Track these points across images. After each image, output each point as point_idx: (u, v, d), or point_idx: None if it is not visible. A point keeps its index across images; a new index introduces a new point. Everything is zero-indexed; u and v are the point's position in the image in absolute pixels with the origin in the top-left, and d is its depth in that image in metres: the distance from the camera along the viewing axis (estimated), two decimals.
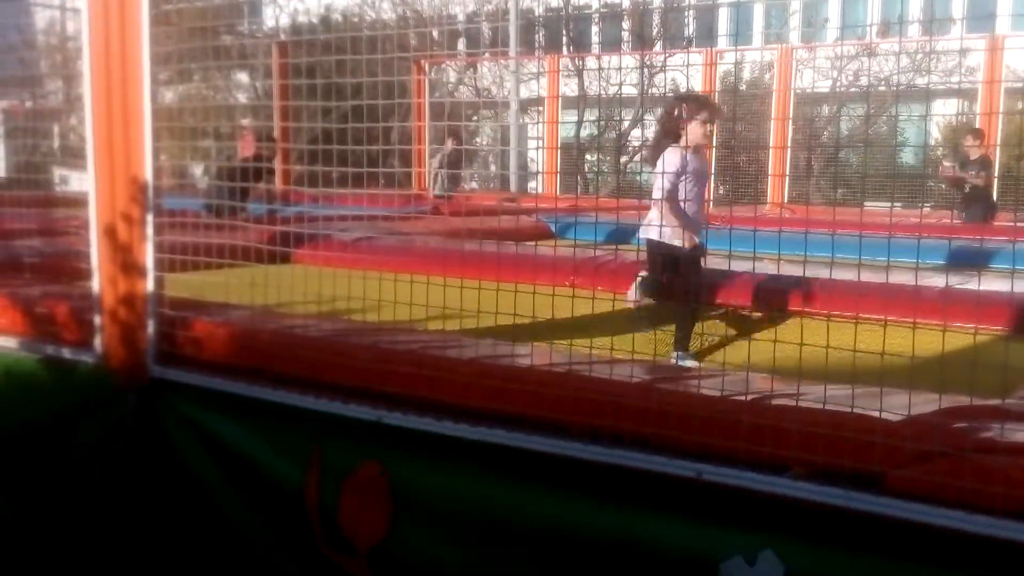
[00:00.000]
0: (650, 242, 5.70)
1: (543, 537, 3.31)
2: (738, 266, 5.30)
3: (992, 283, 6.28)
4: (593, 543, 3.21)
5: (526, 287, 3.68)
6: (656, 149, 5.75)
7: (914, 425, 2.88)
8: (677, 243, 5.54)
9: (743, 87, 20.45)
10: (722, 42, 18.27)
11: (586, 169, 19.51)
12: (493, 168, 19.19)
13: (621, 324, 4.96)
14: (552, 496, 3.33)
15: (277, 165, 8.69)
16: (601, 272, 6.82)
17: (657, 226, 5.49)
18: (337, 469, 3.69)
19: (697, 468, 3.07)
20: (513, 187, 13.85)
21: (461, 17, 21.94)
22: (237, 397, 3.96)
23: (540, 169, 14.90)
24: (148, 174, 4.21)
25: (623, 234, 8.01)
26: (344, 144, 4.04)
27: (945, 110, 14.72)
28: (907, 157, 17.14)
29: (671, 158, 5.54)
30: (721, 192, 16.38)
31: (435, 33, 18.07)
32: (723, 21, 26.02)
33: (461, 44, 20.38)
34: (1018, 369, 3.36)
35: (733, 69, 19.81)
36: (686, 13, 22.86)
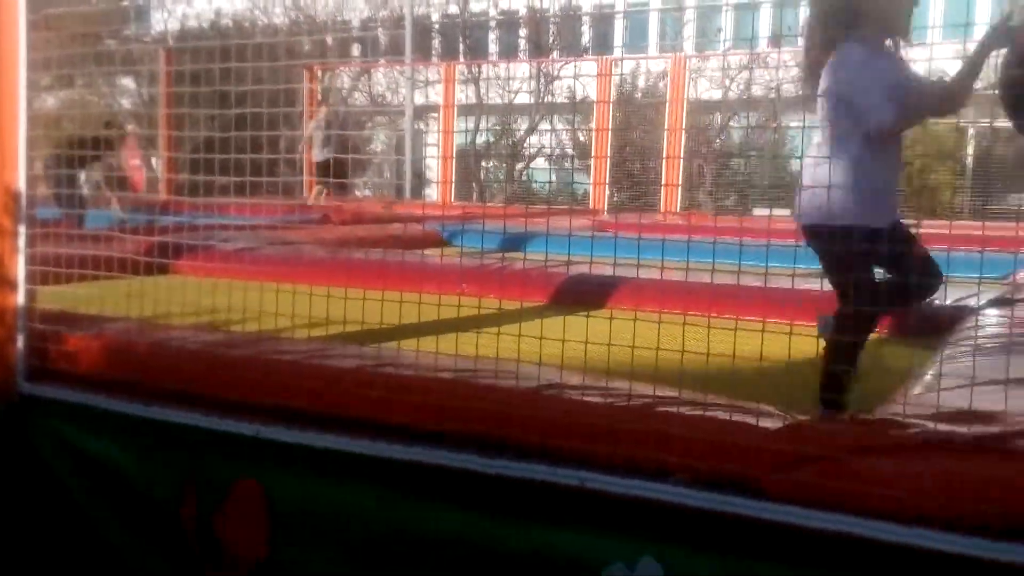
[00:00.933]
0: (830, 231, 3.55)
1: (429, 550, 3.27)
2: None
3: None
4: (478, 554, 3.18)
5: (413, 296, 3.65)
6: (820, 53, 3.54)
7: (792, 429, 2.92)
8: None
9: (638, 95, 20.69)
10: (617, 51, 18.44)
11: (482, 176, 19.56)
12: (387, 175, 19.12)
13: (510, 331, 4.93)
14: (436, 508, 3.30)
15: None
16: (492, 279, 6.80)
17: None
18: (215, 487, 3.59)
19: (580, 476, 3.07)
20: (408, 194, 13.81)
21: (356, 23, 21.81)
22: (111, 413, 3.83)
23: (436, 176, 14.84)
24: (21, 184, 4.05)
25: (515, 241, 8.04)
26: (230, 152, 3.96)
27: None
28: (796, 165, 17.54)
29: (873, 61, 3.38)
30: (616, 200, 16.55)
31: (329, 39, 17.91)
32: (618, 30, 26.36)
33: (356, 50, 20.24)
34: (895, 372, 3.46)
35: (628, 78, 20.04)
36: (582, 22, 23.07)
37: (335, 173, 11.78)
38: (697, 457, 2.96)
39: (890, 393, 3.67)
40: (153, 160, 12.53)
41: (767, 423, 2.97)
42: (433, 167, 15.42)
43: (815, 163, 3.52)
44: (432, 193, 15.01)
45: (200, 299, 3.97)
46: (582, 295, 6.27)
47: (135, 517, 3.78)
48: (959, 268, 3.90)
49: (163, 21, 22.05)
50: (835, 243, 3.46)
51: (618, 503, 2.99)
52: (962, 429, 2.86)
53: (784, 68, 16.40)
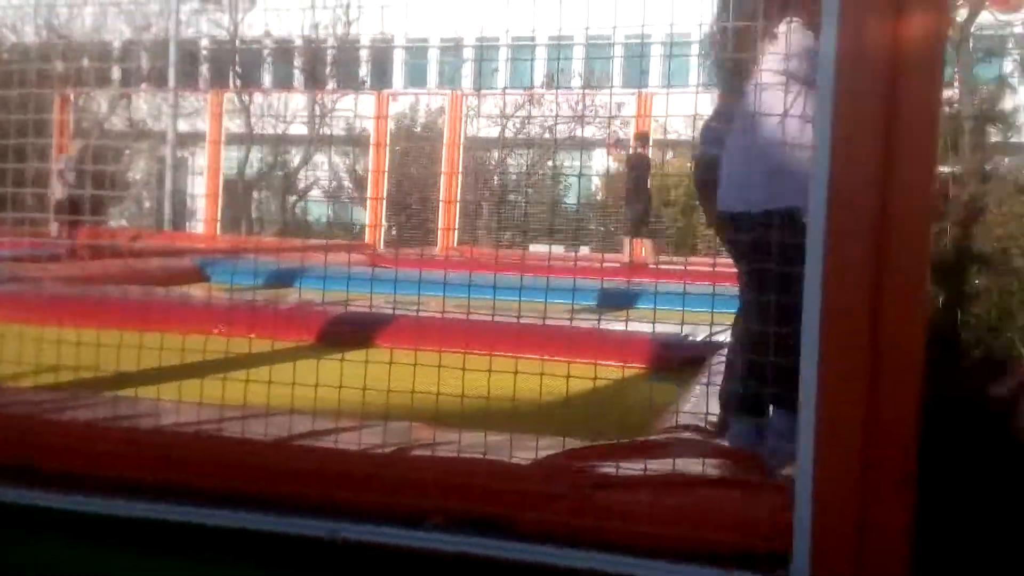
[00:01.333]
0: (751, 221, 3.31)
1: None
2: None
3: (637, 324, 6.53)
4: None
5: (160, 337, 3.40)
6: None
7: (542, 467, 2.88)
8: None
9: (417, 130, 20.73)
10: (396, 85, 18.45)
11: (252, 209, 19.06)
12: (147, 204, 18.35)
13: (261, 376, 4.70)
14: (176, 567, 3.05)
15: None
16: (253, 319, 6.47)
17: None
18: None
19: (332, 527, 2.91)
20: (167, 225, 13.21)
21: (116, 45, 20.87)
22: None
23: (200, 208, 14.31)
24: None
25: (284, 277, 7.77)
26: None
27: (602, 158, 15.53)
28: (569, 202, 17.99)
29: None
30: (394, 233, 16.46)
31: (85, 61, 17.04)
32: (398, 65, 26.40)
33: (116, 73, 19.35)
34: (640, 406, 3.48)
35: (407, 112, 20.05)
36: (359, 55, 22.96)
37: (77, 211, 11.09)
38: (452, 500, 2.88)
39: (640, 427, 3.70)
40: None
41: (520, 461, 2.91)
42: (197, 199, 14.86)
43: (741, 149, 3.39)
44: (196, 225, 14.44)
45: None
46: (347, 333, 6.07)
47: None
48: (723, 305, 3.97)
49: None
50: (762, 230, 3.20)
51: (375, 553, 2.85)
52: (696, 463, 2.91)
53: (558, 107, 16.81)
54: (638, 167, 12.77)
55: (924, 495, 2.57)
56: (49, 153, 11.24)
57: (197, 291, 7.49)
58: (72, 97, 12.80)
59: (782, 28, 3.33)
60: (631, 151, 13.06)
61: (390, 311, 5.11)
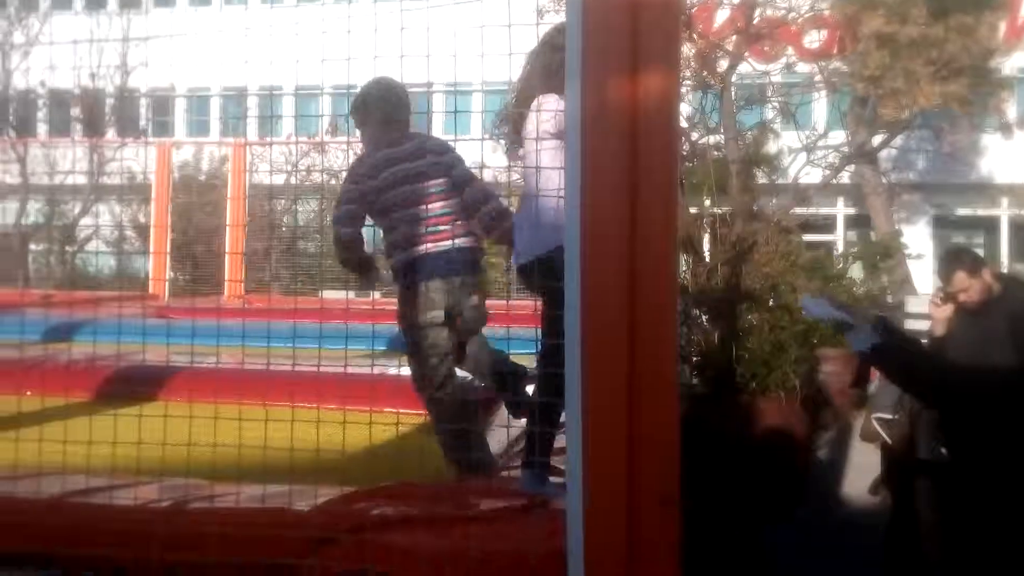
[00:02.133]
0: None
1: None
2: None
3: None
4: None
5: None
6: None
7: (322, 513, 2.89)
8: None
9: (201, 178, 20.25)
10: (178, 133, 18.00)
11: (28, 260, 18.15)
12: None
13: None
14: None
15: None
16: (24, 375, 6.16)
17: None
18: None
19: None
20: None
21: None
22: None
23: None
24: None
25: (66, 329, 7.42)
26: None
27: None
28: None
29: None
30: (180, 282, 16.00)
31: None
32: (179, 112, 25.74)
33: None
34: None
35: (191, 160, 19.57)
36: (139, 103, 22.29)
37: None
38: (236, 549, 2.85)
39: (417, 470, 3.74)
40: None
41: (299, 507, 2.92)
42: None
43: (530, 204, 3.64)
44: None
45: None
46: (121, 388, 5.84)
47: None
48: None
49: None
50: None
51: None
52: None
53: (343, 154, 16.79)
54: None
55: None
56: None
57: None
58: None
59: (548, 100, 3.54)
60: None
61: (167, 363, 4.98)
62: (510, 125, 3.92)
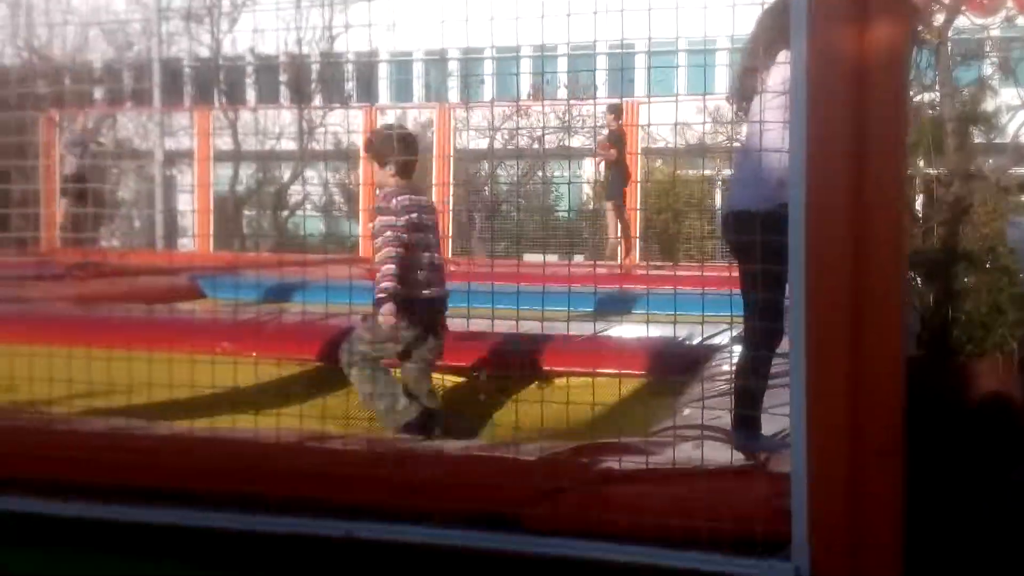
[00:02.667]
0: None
1: None
2: None
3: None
4: None
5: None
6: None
7: (544, 464, 2.96)
8: None
9: None
10: (382, 98, 18.46)
11: (244, 225, 19.09)
12: (137, 224, 18.33)
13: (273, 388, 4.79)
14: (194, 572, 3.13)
15: None
16: (259, 335, 6.48)
17: None
18: None
19: (347, 527, 2.99)
20: (160, 245, 13.21)
21: (98, 64, 20.82)
22: None
23: (191, 226, 14.33)
24: None
25: (284, 291, 7.82)
26: None
27: (590, 168, 15.62)
28: (561, 212, 18.08)
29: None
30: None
31: (67, 81, 17.04)
32: (383, 78, 26.46)
33: (99, 93, 19.33)
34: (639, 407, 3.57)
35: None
36: (345, 69, 22.99)
37: (83, 197, 11.12)
38: (456, 497, 2.96)
39: (640, 425, 3.78)
40: None
41: (523, 458, 2.99)
42: (188, 216, 14.86)
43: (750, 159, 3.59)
44: (188, 243, 14.45)
45: None
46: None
47: None
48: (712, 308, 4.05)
49: None
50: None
51: (386, 549, 2.92)
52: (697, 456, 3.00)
53: (545, 118, 16.88)
54: (615, 141, 13.00)
55: None
56: (36, 174, 11.30)
57: (194, 307, 7.54)
58: (57, 118, 12.80)
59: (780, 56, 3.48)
60: (608, 128, 13.23)
61: None
62: (739, 82, 3.87)
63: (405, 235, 4.54)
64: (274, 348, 5.66)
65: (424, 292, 4.61)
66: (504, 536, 2.87)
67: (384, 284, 4.44)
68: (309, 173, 19.50)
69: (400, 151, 4.71)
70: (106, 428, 3.54)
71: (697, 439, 3.33)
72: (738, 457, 3.14)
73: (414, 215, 4.62)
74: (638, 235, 13.40)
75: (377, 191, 4.88)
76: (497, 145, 18.90)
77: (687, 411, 3.84)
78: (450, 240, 14.19)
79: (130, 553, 3.17)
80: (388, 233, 4.54)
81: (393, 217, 4.58)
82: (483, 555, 2.86)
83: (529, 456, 3.00)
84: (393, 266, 4.47)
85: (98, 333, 5.29)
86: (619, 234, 13.14)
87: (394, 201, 4.63)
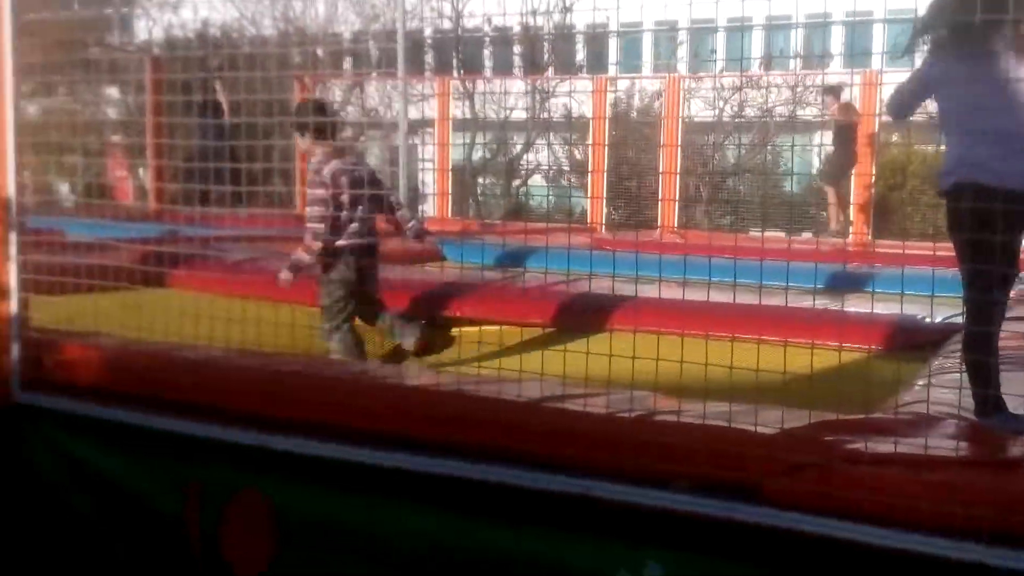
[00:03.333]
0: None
1: (432, 559, 3.27)
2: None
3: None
4: (482, 563, 3.18)
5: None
6: None
7: (787, 438, 2.95)
8: None
9: (633, 114, 20.71)
10: (612, 70, 18.46)
11: (478, 192, 19.54)
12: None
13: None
14: (439, 517, 3.30)
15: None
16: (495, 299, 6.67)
17: None
18: (217, 496, 3.58)
19: (585, 484, 3.08)
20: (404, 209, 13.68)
21: (347, 35, 21.75)
22: (109, 423, 3.82)
23: (432, 191, 14.81)
24: (11, 190, 4.04)
25: (514, 257, 8.01)
26: (220, 162, 3.96)
27: (824, 141, 15.11)
28: (790, 186, 17.59)
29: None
30: (613, 218, 16.56)
31: (319, 51, 17.87)
32: (613, 49, 26.41)
33: (347, 63, 20.19)
34: (881, 385, 3.48)
35: (624, 97, 20.08)
36: (576, 40, 23.11)
37: None
38: (697, 464, 2.99)
39: (882, 404, 3.69)
40: (140, 170, 12.45)
41: (765, 431, 2.99)
42: (428, 182, 15.38)
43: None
44: (427, 208, 14.98)
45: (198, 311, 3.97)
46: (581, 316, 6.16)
47: (132, 526, 3.76)
48: (947, 287, 3.92)
49: (147, 30, 22.01)
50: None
51: (621, 511, 3.00)
52: (949, 441, 2.90)
53: (775, 90, 16.47)
54: (846, 114, 12.71)
55: None
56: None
57: (436, 269, 7.83)
58: (309, 81, 13.49)
59: None
60: (838, 101, 12.90)
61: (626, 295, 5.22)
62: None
63: (334, 207, 5.05)
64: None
65: (358, 242, 5.20)
66: (742, 506, 2.87)
67: (303, 257, 5.09)
68: (539, 143, 19.76)
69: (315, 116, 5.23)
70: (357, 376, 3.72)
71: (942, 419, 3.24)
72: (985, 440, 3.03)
73: (343, 179, 5.10)
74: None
75: (309, 162, 5.34)
76: (725, 117, 18.57)
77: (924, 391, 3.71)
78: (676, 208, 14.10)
79: (374, 494, 3.36)
80: (317, 208, 5.02)
81: (323, 190, 5.04)
82: (719, 523, 2.88)
83: (771, 429, 2.99)
84: (317, 242, 5.04)
85: None
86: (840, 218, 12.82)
87: (325, 170, 5.08)
